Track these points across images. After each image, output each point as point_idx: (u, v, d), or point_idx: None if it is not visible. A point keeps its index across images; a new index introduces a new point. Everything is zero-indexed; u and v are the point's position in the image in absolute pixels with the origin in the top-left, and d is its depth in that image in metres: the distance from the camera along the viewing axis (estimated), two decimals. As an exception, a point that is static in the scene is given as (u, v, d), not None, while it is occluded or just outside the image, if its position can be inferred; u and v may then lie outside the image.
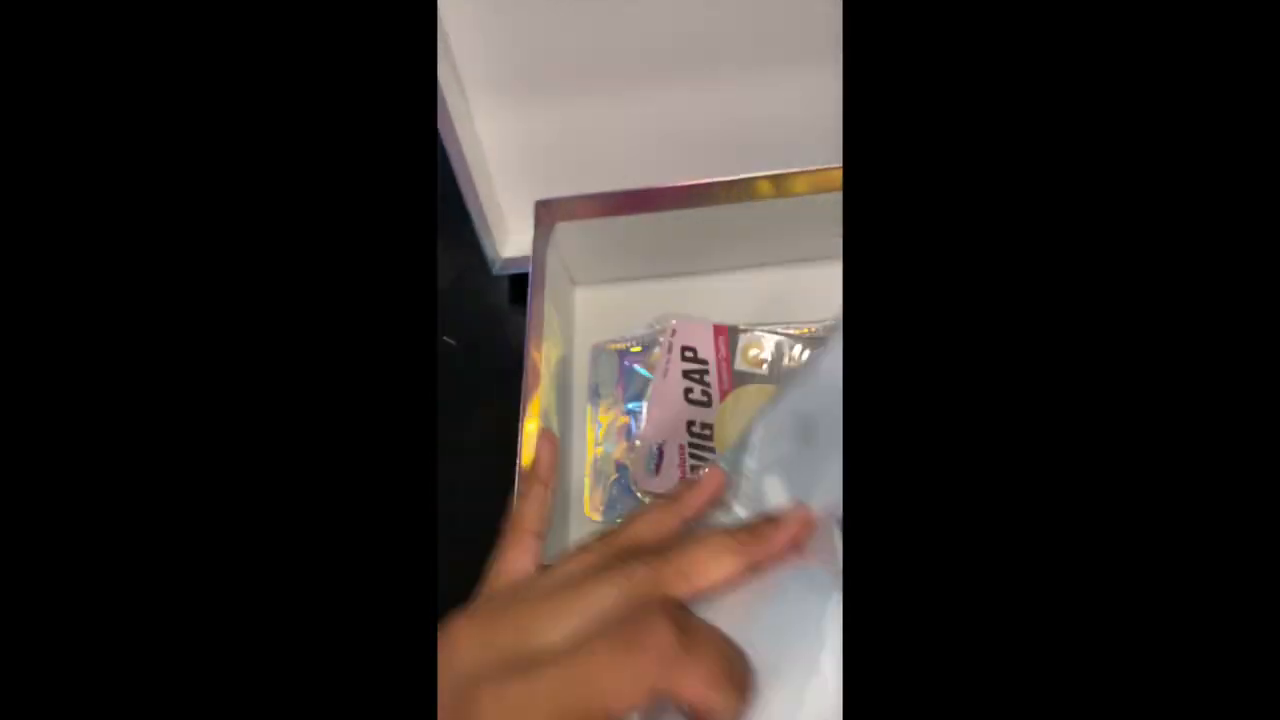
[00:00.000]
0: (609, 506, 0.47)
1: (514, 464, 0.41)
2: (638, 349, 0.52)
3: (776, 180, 0.47)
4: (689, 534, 0.28)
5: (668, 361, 0.49)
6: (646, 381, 0.50)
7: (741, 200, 0.48)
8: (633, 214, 0.49)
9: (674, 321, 0.51)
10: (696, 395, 0.48)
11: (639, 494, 0.47)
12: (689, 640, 0.23)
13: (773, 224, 0.50)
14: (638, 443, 0.48)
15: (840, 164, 0.46)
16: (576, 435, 0.50)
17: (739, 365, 0.49)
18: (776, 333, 0.50)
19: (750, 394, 0.48)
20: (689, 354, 0.49)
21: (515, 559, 0.31)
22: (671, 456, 0.47)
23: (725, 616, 0.25)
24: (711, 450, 0.46)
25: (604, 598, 0.24)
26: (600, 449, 0.49)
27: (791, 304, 0.51)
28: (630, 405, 0.50)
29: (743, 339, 0.50)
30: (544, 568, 0.30)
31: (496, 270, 0.55)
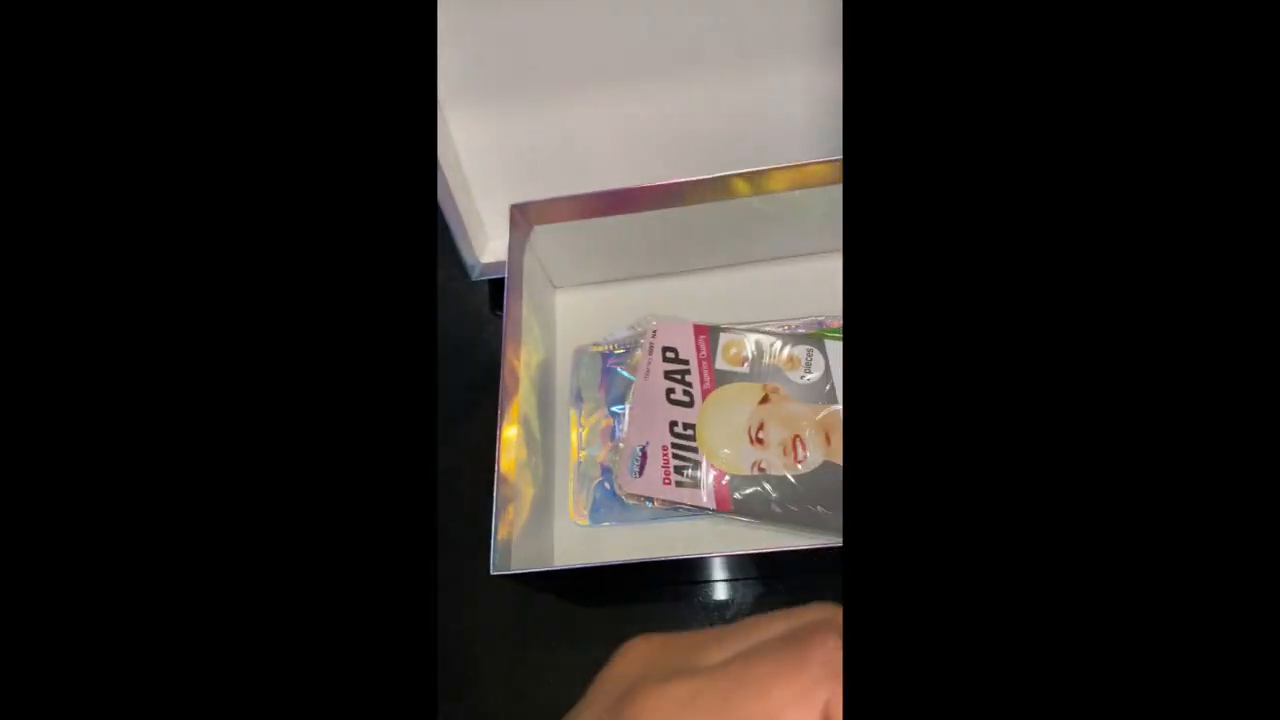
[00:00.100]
0: (594, 510, 0.47)
1: (494, 469, 0.41)
2: (620, 351, 0.51)
3: (752, 178, 0.47)
4: None
5: (649, 363, 0.49)
6: (629, 384, 0.50)
7: (718, 199, 0.48)
8: (610, 215, 0.49)
9: (655, 322, 0.51)
10: (678, 395, 0.48)
11: (624, 497, 0.46)
12: None
13: (751, 222, 0.50)
14: (621, 445, 0.48)
15: (815, 159, 0.46)
16: (560, 439, 0.50)
17: (720, 364, 0.49)
18: (757, 331, 0.49)
19: (732, 393, 0.48)
20: (670, 354, 0.49)
21: None
22: (655, 457, 0.46)
23: None
24: (694, 450, 0.46)
25: (773, 631, 0.25)
26: (584, 453, 0.49)
27: (772, 301, 0.51)
28: (614, 408, 0.50)
29: (724, 338, 0.49)
30: None
31: (475, 276, 0.55)
